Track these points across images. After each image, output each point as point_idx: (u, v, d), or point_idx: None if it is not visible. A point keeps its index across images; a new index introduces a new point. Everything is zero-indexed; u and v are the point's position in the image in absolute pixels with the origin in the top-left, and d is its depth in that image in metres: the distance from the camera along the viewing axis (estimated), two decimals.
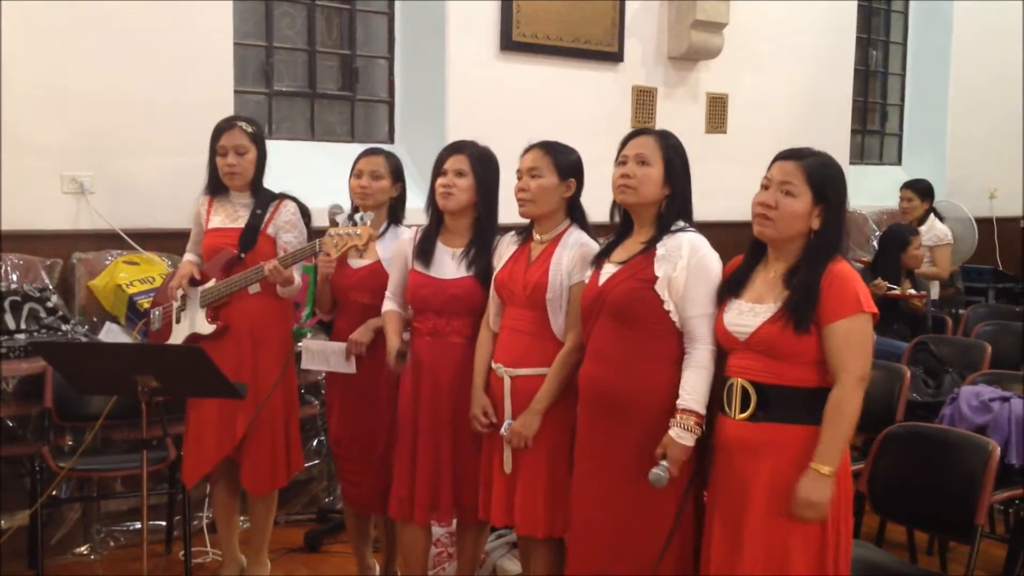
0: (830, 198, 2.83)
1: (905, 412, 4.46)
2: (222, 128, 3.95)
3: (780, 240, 2.85)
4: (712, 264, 3.04)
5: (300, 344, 4.00)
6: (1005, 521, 4.78)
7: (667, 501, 3.05)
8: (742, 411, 2.84)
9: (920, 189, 7.14)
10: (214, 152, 3.95)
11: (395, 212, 3.97)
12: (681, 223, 3.11)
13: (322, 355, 3.85)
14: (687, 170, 3.17)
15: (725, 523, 2.88)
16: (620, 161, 3.17)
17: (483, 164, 3.57)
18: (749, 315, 2.84)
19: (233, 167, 3.91)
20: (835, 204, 2.83)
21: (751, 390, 2.82)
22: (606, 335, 3.11)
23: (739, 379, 2.86)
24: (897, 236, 5.95)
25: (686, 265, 3.01)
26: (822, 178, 2.83)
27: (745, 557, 2.80)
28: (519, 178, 3.40)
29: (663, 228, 3.10)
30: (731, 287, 2.95)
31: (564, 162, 3.39)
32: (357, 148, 5.86)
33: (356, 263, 3.84)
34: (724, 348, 2.95)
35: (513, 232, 3.54)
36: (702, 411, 2.96)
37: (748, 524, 2.80)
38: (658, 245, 3.08)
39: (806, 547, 2.77)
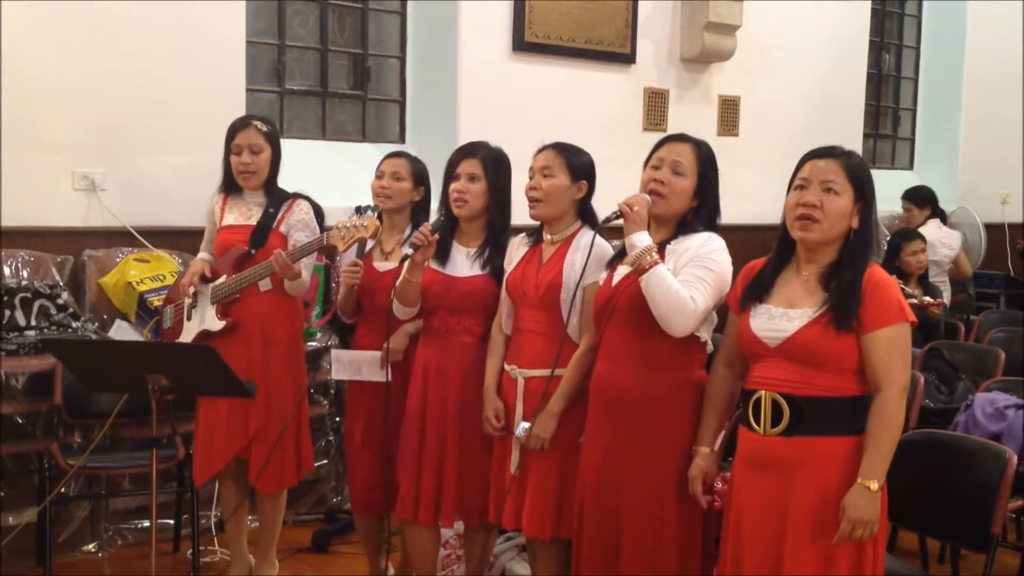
0: (868, 197, 2.76)
1: (918, 419, 4.43)
2: (237, 127, 3.95)
3: (823, 242, 2.76)
4: (719, 258, 3.01)
5: (331, 354, 3.93)
6: (1017, 529, 4.77)
7: (675, 501, 3.03)
8: (773, 426, 2.74)
9: (916, 198, 7.15)
10: (229, 151, 3.95)
11: (416, 217, 3.94)
12: (701, 229, 3.09)
13: (354, 365, 3.80)
14: (717, 183, 3.14)
15: (760, 540, 2.76)
16: (654, 165, 3.13)
17: (496, 166, 3.55)
18: (782, 320, 2.75)
19: (248, 166, 3.91)
20: (870, 203, 2.77)
21: (783, 403, 2.73)
22: (619, 336, 3.09)
23: (768, 392, 2.75)
24: (891, 242, 5.93)
25: (692, 255, 2.99)
26: (861, 177, 2.76)
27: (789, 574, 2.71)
28: (531, 177, 3.39)
29: (681, 232, 3.08)
30: (756, 292, 2.84)
31: (576, 163, 3.37)
32: (368, 148, 5.89)
33: (382, 265, 3.83)
34: (748, 356, 2.86)
35: (523, 234, 3.52)
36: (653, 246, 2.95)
37: (793, 542, 2.70)
38: (672, 242, 3.06)
39: (849, 560, 2.69)
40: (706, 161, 3.13)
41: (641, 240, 2.95)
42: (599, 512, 3.11)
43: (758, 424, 2.78)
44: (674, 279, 2.92)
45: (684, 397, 3.05)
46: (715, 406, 3.01)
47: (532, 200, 3.37)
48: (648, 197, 3.06)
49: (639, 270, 2.93)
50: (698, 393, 3.08)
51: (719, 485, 3.08)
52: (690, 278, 2.95)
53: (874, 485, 2.63)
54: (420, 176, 3.93)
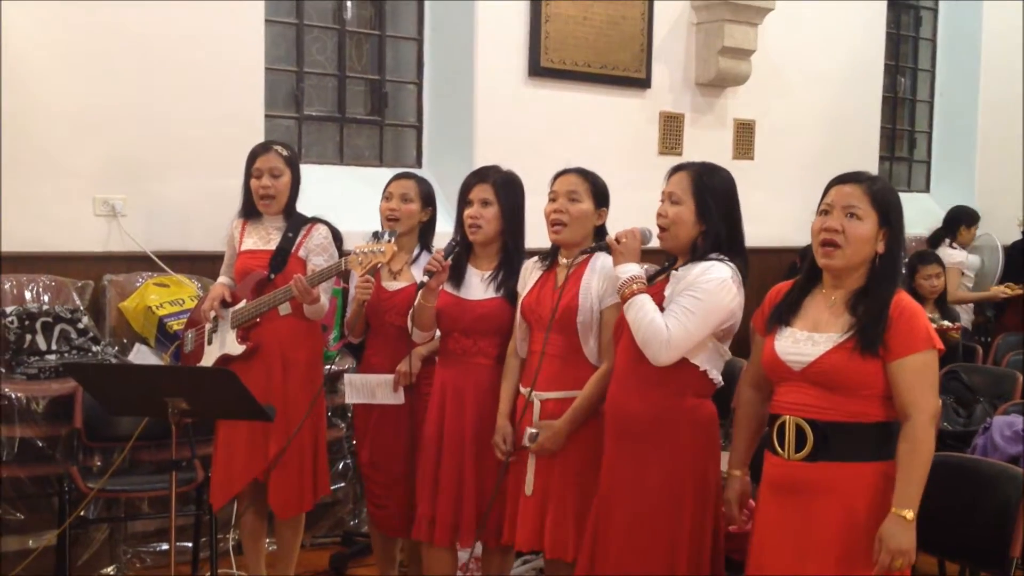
0: (893, 222, 2.76)
1: (936, 442, 4.41)
2: (257, 152, 4.00)
3: (847, 268, 2.75)
4: (712, 288, 2.98)
5: (344, 379, 3.96)
6: None
7: (687, 527, 3.04)
8: (797, 450, 2.73)
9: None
10: (249, 175, 3.99)
11: (425, 237, 3.98)
12: (718, 255, 3.07)
13: (367, 388, 3.83)
14: (727, 204, 3.13)
15: (782, 564, 2.75)
16: (661, 199, 3.17)
17: (508, 190, 3.59)
18: (807, 344, 2.74)
19: (268, 189, 3.95)
20: (897, 229, 2.77)
21: (807, 428, 2.72)
22: (624, 358, 3.13)
23: (792, 416, 2.74)
24: (908, 265, 5.91)
25: (686, 285, 3.00)
26: (886, 201, 2.75)
27: None
28: (553, 199, 3.40)
29: (695, 259, 3.08)
30: (781, 314, 2.83)
31: (599, 190, 3.41)
32: (386, 172, 5.91)
33: (391, 286, 3.86)
34: (772, 379, 2.86)
35: (536, 258, 3.54)
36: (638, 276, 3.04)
37: (817, 568, 2.68)
38: (680, 269, 3.08)
39: None
40: (702, 185, 3.11)
41: (625, 271, 3.05)
42: (606, 533, 3.12)
43: (782, 448, 2.77)
44: (653, 308, 2.98)
45: (679, 419, 3.05)
46: (745, 428, 3.03)
47: (556, 224, 3.38)
48: (645, 229, 3.15)
49: (623, 299, 3.02)
50: (692, 419, 3.07)
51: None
52: (674, 307, 2.98)
53: (910, 514, 2.62)
54: (428, 197, 3.98)
